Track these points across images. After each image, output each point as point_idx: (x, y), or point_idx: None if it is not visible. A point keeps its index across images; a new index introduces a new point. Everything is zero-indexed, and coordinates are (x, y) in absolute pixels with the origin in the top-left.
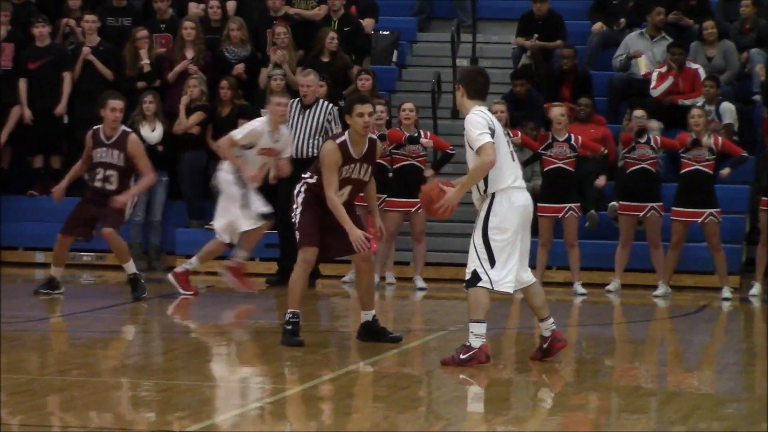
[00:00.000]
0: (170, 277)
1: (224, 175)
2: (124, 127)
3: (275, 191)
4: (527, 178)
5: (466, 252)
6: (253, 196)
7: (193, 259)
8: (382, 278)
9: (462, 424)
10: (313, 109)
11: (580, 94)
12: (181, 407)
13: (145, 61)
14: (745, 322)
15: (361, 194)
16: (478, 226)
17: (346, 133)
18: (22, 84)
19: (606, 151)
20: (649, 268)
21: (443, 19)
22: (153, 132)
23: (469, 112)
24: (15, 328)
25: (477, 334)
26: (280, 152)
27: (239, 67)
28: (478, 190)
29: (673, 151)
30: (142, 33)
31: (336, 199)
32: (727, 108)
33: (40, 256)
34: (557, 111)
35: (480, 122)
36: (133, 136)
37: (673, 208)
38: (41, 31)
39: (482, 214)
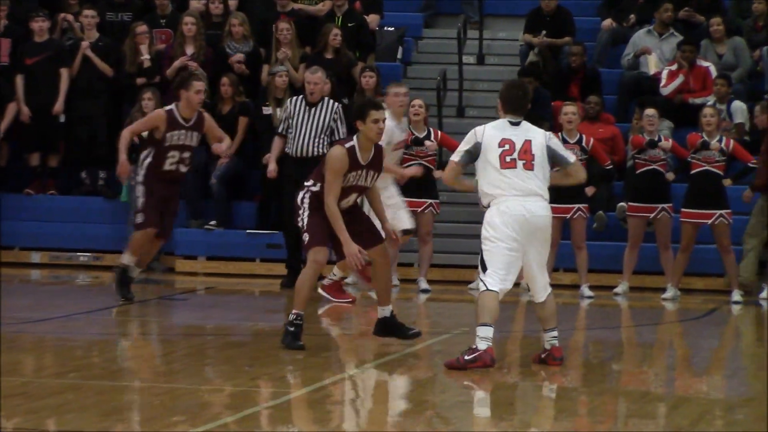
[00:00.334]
0: (321, 291)
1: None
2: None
3: (279, 192)
4: None
5: (470, 254)
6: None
7: (335, 270)
8: None
9: (468, 429)
10: (319, 107)
11: (589, 92)
12: (179, 411)
13: (145, 57)
14: (756, 326)
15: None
16: None
17: (355, 138)
18: (19, 80)
19: (611, 167)
20: (657, 271)
21: (450, 15)
22: None
23: None
24: (11, 330)
25: (482, 337)
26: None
27: (238, 56)
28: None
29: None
30: (142, 28)
31: (335, 206)
32: (739, 107)
33: (36, 256)
34: (569, 110)
35: (467, 139)
36: (205, 113)
37: (683, 210)
38: (41, 25)
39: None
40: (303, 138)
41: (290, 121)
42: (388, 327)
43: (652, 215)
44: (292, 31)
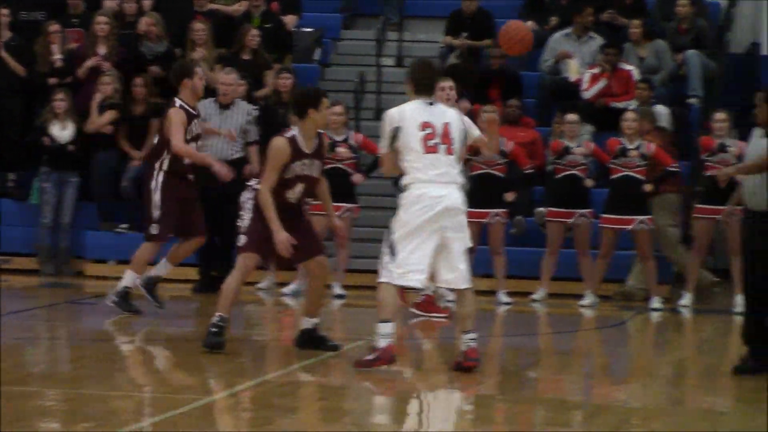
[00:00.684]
0: (414, 310)
1: None
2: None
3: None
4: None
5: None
6: None
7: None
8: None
9: None
10: (232, 109)
11: (510, 95)
12: (87, 417)
13: (57, 56)
14: (675, 333)
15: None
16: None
17: (296, 128)
18: None
19: (531, 171)
20: (576, 277)
21: (369, 17)
22: (64, 131)
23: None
24: None
25: (382, 335)
26: None
27: (154, 70)
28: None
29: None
30: (54, 27)
31: (268, 195)
32: (661, 111)
33: None
34: (489, 114)
35: (386, 130)
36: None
37: (603, 215)
38: None
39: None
40: (217, 141)
41: (203, 125)
42: (311, 339)
43: (571, 220)
44: (207, 31)
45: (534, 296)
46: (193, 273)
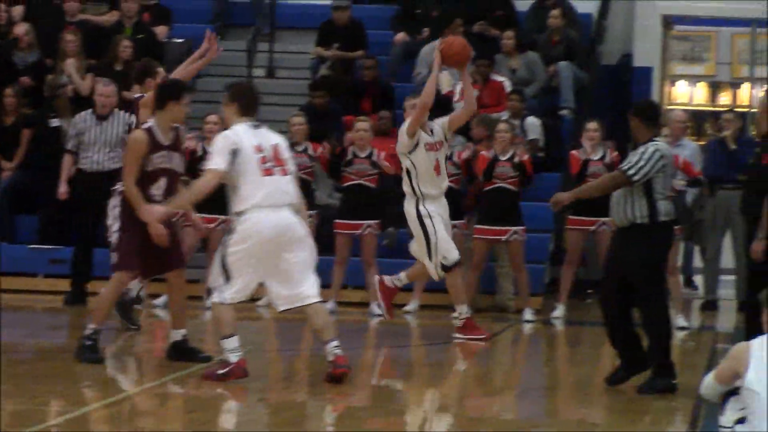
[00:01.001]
0: (456, 335)
1: None
2: None
3: (72, 208)
4: (329, 194)
5: None
6: None
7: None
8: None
9: None
10: (110, 120)
11: (382, 106)
12: None
13: None
14: (548, 345)
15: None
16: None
17: (152, 120)
18: None
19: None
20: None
21: (241, 27)
22: None
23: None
24: None
25: (230, 350)
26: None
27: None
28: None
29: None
30: None
31: (134, 188)
32: (532, 123)
33: None
34: (361, 126)
35: (222, 145)
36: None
37: (476, 227)
38: None
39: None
40: (96, 153)
41: (81, 137)
42: (180, 351)
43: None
44: (78, 41)
45: (406, 308)
46: (66, 284)
